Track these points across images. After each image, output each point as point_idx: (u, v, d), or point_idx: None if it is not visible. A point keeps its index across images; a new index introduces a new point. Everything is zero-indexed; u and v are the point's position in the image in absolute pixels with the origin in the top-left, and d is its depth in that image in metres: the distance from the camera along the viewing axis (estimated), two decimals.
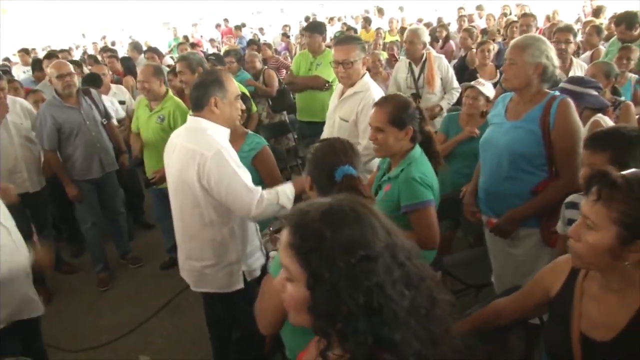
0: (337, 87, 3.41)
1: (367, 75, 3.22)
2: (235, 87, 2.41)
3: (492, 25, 7.64)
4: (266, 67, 5.93)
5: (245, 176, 2.27)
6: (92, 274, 4.34)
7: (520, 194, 2.40)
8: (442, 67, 4.75)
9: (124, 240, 4.62)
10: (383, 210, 2.20)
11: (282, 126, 5.60)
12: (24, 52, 8.32)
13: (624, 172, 1.32)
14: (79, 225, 4.37)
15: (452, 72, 4.83)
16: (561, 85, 3.01)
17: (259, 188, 2.30)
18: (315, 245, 0.97)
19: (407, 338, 0.98)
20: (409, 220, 2.19)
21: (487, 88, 3.51)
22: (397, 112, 2.21)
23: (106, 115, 4.31)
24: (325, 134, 3.34)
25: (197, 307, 3.06)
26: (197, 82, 2.38)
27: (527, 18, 5.23)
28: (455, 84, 4.81)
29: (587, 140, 2.01)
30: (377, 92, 3.13)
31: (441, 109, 4.67)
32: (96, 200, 4.25)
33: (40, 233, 4.07)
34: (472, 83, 3.58)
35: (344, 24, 9.92)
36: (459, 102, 4.51)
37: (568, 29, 4.36)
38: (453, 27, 8.98)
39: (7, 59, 10.62)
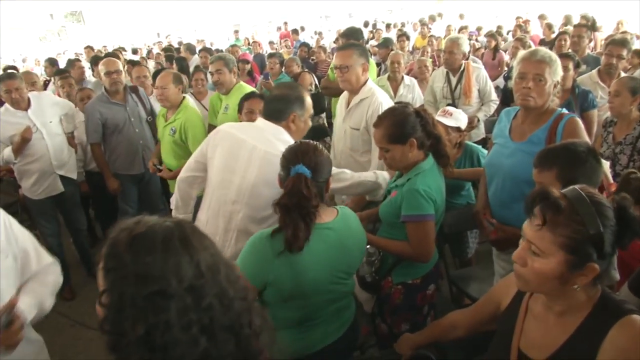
0: (342, 97, 3.43)
1: (370, 81, 3.22)
2: (310, 104, 2.46)
3: (547, 36, 7.34)
4: (305, 70, 6.04)
5: None
6: None
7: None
8: (481, 78, 4.66)
9: None
10: (385, 214, 2.28)
11: (320, 129, 5.65)
12: (90, 48, 8.88)
13: (564, 191, 1.29)
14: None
15: (490, 83, 4.73)
16: None
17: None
18: (113, 266, 0.99)
19: None
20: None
21: (455, 118, 3.19)
22: (394, 130, 2.20)
23: (152, 113, 4.42)
24: (338, 145, 3.34)
25: None
26: (279, 94, 2.42)
27: (579, 29, 4.90)
28: (494, 95, 4.71)
29: (535, 159, 1.96)
30: (382, 97, 3.14)
31: (478, 120, 4.60)
32: (136, 195, 4.42)
33: (75, 237, 4.33)
34: (437, 117, 3.29)
35: (400, 29, 9.89)
36: None
37: (623, 44, 4.10)
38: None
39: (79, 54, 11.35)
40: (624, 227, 1.23)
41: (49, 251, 4.11)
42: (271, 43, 12.50)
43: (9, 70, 4.40)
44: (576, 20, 7.76)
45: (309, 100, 2.43)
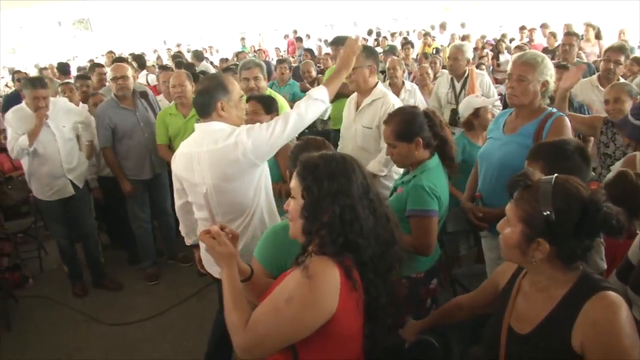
0: (350, 99, 3.53)
1: (380, 84, 3.33)
2: (237, 87, 2.45)
3: (551, 45, 7.46)
4: (321, 75, 6.15)
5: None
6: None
7: None
8: (484, 84, 4.76)
9: (172, 242, 4.68)
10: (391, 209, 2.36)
11: (325, 134, 5.74)
12: (111, 53, 9.07)
13: (543, 177, 1.42)
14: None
15: (493, 89, 4.84)
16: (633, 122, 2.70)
17: (288, 110, 2.41)
18: (310, 171, 1.44)
19: (367, 246, 1.42)
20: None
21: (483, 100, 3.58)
22: (402, 128, 2.30)
23: None
24: (348, 146, 3.43)
25: None
26: (200, 89, 2.41)
27: (569, 37, 5.01)
28: (497, 101, 4.81)
29: (528, 152, 2.10)
30: (394, 98, 3.28)
31: None
32: (147, 200, 4.43)
33: (84, 242, 4.32)
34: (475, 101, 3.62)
35: (404, 38, 10.02)
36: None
37: (620, 50, 4.20)
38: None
39: (91, 61, 11.51)
40: (587, 218, 1.33)
41: (60, 252, 4.17)
42: (277, 49, 12.66)
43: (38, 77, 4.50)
44: (579, 29, 7.87)
45: (232, 83, 2.42)
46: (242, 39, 15.12)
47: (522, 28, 9.64)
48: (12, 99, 6.22)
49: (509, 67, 2.59)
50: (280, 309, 1.35)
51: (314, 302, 1.34)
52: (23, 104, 3.91)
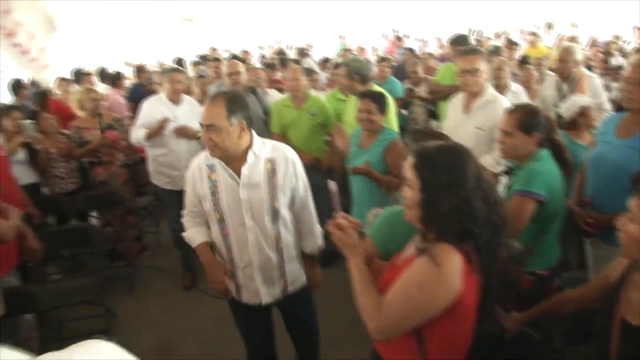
0: (456, 100, 3.62)
1: (489, 85, 3.46)
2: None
3: None
4: (430, 76, 6.17)
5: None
6: None
7: None
8: (593, 87, 4.60)
9: None
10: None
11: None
12: (214, 50, 9.70)
13: None
14: None
15: (604, 94, 4.66)
16: None
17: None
18: (428, 164, 1.52)
19: (481, 234, 1.49)
20: None
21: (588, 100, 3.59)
22: (525, 119, 2.39)
23: (266, 112, 4.67)
24: None
25: None
26: None
27: None
28: (606, 105, 4.63)
29: None
30: (506, 101, 3.36)
31: None
32: None
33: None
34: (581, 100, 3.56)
35: (507, 38, 9.70)
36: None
37: None
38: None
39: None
40: None
41: (173, 236, 4.50)
42: (374, 49, 12.75)
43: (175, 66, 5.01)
44: None
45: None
46: (341, 37, 15.38)
47: (637, 28, 9.03)
48: (136, 90, 6.95)
49: (626, 70, 2.55)
50: (412, 294, 1.48)
51: (442, 287, 1.46)
52: (162, 94, 4.34)
